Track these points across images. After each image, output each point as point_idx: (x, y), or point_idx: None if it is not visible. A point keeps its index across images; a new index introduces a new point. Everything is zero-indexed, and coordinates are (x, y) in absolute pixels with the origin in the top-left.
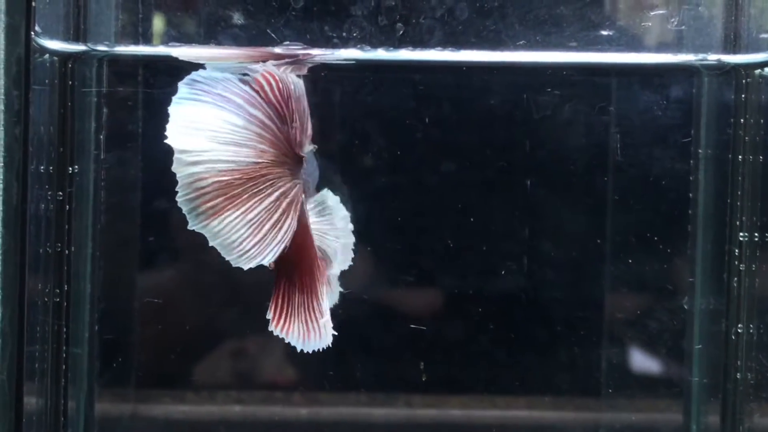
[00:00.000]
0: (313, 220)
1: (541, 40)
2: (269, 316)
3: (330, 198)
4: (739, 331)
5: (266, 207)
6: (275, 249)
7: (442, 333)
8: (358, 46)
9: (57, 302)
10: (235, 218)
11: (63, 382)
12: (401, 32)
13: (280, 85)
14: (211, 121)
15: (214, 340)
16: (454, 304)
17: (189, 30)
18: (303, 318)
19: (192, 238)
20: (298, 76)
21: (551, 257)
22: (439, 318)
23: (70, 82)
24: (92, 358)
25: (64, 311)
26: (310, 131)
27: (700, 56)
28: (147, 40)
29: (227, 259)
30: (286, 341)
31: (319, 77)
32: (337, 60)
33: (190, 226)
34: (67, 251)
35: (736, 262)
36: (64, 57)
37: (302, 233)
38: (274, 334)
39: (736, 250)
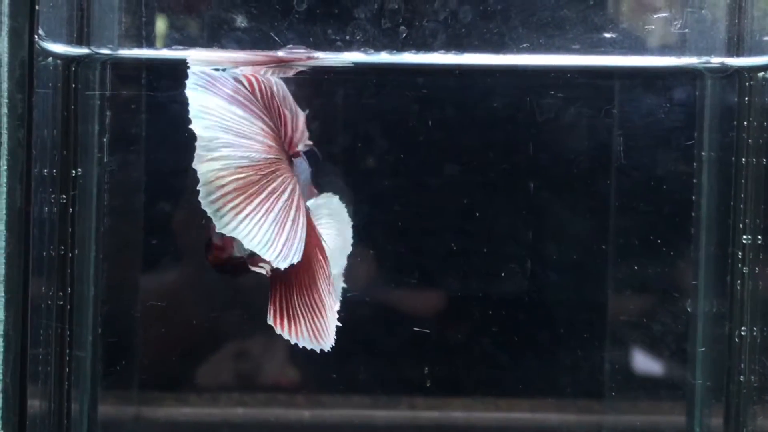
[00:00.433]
0: (319, 221)
1: (544, 43)
2: (269, 319)
3: (334, 201)
4: (743, 333)
5: (283, 205)
6: (299, 247)
7: (445, 335)
8: (362, 49)
9: (60, 305)
10: (260, 219)
11: (66, 385)
12: (404, 35)
13: (263, 86)
14: (223, 112)
15: (217, 343)
16: (457, 307)
17: (192, 33)
18: (306, 317)
19: (194, 241)
20: (281, 77)
21: (554, 260)
22: (442, 320)
23: (74, 85)
24: (95, 361)
25: (68, 314)
26: (301, 129)
27: (704, 59)
28: (150, 43)
29: (268, 259)
30: (292, 342)
31: (323, 80)
32: (342, 63)
33: (218, 230)
34: (70, 254)
35: (740, 265)
36: (68, 60)
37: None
38: (278, 333)
39: (740, 253)
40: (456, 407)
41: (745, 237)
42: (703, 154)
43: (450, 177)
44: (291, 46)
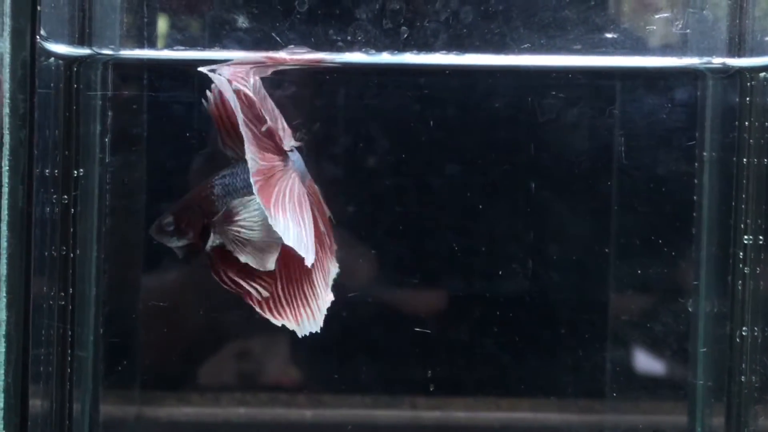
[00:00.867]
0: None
1: (545, 43)
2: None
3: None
4: (744, 333)
5: (292, 201)
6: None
7: (446, 335)
8: (363, 49)
9: (62, 305)
10: (287, 218)
11: (68, 385)
12: (406, 35)
13: (256, 85)
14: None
15: (218, 342)
16: (458, 307)
17: (194, 33)
18: (294, 304)
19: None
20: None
21: (555, 260)
22: (443, 320)
23: (75, 86)
24: (97, 361)
25: (69, 314)
26: (287, 127)
27: (705, 59)
28: (152, 43)
29: (303, 256)
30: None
31: (324, 80)
32: (344, 63)
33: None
34: (72, 254)
35: (741, 265)
36: (70, 61)
37: None
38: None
39: (741, 253)
40: (457, 407)
41: (746, 237)
42: (704, 154)
43: (451, 177)
44: (293, 46)
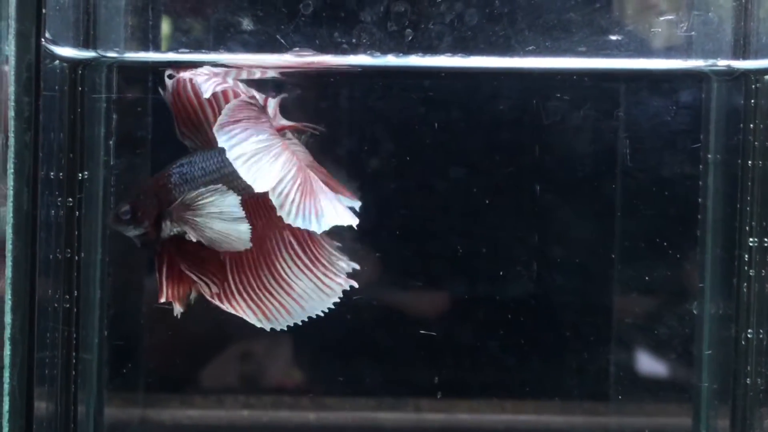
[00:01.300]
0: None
1: (550, 45)
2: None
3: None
4: (749, 336)
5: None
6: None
7: (451, 338)
8: (368, 52)
9: (67, 308)
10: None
11: (73, 388)
12: (410, 38)
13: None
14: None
15: (223, 345)
16: (463, 309)
17: (198, 36)
18: (253, 297)
19: None
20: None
21: (559, 262)
22: (448, 323)
23: (80, 88)
24: (102, 364)
25: (74, 317)
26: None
27: (710, 62)
28: (156, 46)
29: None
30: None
31: (328, 82)
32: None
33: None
34: (77, 257)
35: (746, 267)
36: (74, 64)
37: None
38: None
39: (746, 255)
40: (462, 409)
41: (751, 240)
42: (709, 156)
43: (456, 180)
44: (298, 48)
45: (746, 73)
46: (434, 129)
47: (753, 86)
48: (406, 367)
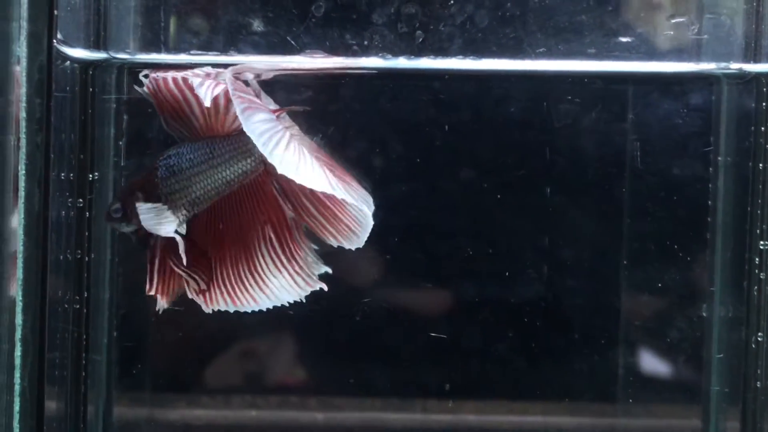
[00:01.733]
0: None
1: (562, 48)
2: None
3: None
4: (759, 339)
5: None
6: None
7: (458, 339)
8: (380, 54)
9: (77, 309)
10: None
11: (83, 389)
12: (421, 40)
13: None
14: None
15: (230, 345)
16: (471, 310)
17: (209, 37)
18: (233, 289)
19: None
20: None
21: (569, 264)
22: (456, 324)
23: (91, 89)
24: (111, 364)
25: (84, 318)
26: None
27: (722, 65)
28: (167, 47)
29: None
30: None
31: (339, 84)
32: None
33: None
34: (87, 258)
35: (757, 271)
36: (85, 65)
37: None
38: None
39: (756, 259)
40: (469, 410)
41: (762, 243)
42: (719, 159)
43: (466, 181)
44: (309, 51)
45: (758, 77)
46: (444, 131)
47: (765, 89)
48: (414, 367)
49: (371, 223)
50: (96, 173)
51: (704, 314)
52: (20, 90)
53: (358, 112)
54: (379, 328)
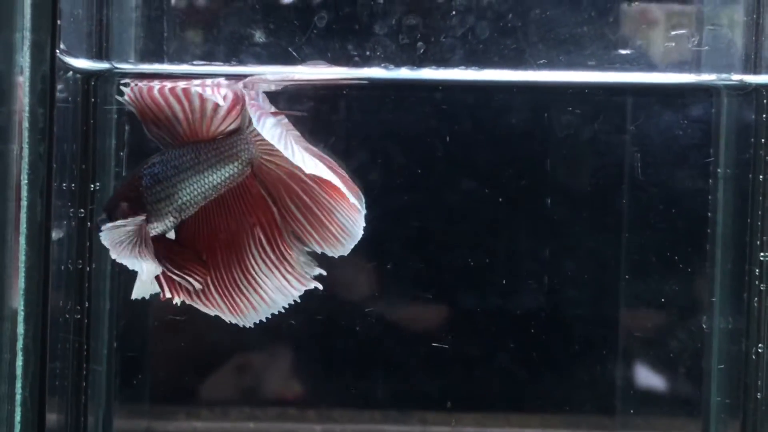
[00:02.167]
0: None
1: (563, 59)
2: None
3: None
4: (760, 350)
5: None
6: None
7: (457, 350)
8: (383, 65)
9: (78, 319)
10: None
11: (83, 399)
12: (422, 51)
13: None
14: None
15: (230, 357)
16: (470, 323)
17: (210, 48)
18: (227, 293)
19: None
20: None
21: (568, 276)
22: (454, 336)
23: (93, 100)
24: (111, 375)
25: (85, 328)
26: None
27: (723, 76)
28: (169, 58)
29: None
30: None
31: (340, 95)
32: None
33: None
34: (88, 268)
35: (757, 282)
36: (87, 75)
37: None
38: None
39: (757, 270)
40: (467, 422)
41: (762, 254)
42: (719, 171)
43: (466, 192)
44: (311, 61)
45: (758, 88)
46: (444, 142)
47: (765, 101)
48: (413, 379)
49: (361, 232)
50: (97, 183)
51: (704, 326)
52: (23, 100)
53: (358, 122)
54: (378, 339)
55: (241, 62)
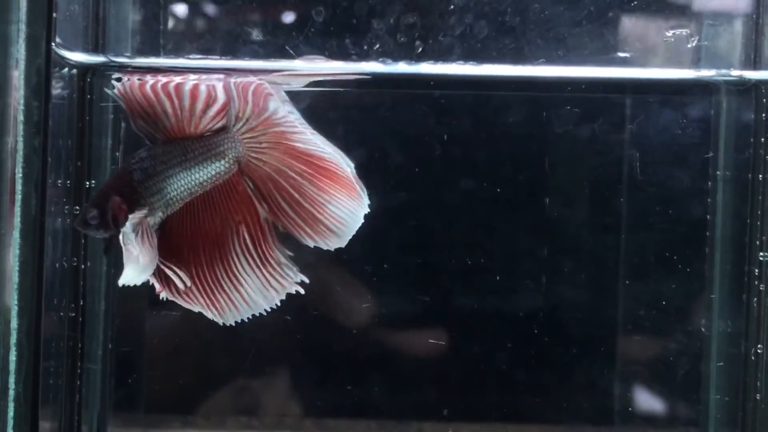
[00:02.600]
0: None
1: (562, 55)
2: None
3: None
4: (759, 351)
5: None
6: None
7: (454, 361)
8: (380, 59)
9: (72, 317)
10: None
11: (77, 397)
12: (420, 50)
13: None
14: None
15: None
16: (467, 333)
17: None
18: (208, 291)
19: None
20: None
21: (566, 280)
22: (451, 346)
23: (89, 96)
24: (106, 375)
25: (80, 326)
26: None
27: (722, 72)
28: (165, 51)
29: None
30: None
31: (337, 93)
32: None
33: None
34: (83, 266)
35: (756, 282)
36: (84, 69)
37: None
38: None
39: (756, 270)
40: None
41: (762, 254)
42: (718, 173)
43: (464, 191)
44: (307, 55)
45: (757, 85)
46: (442, 141)
47: (765, 99)
48: (410, 389)
49: (360, 222)
50: (93, 181)
51: (703, 329)
52: (18, 93)
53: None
54: (373, 348)
55: (237, 56)
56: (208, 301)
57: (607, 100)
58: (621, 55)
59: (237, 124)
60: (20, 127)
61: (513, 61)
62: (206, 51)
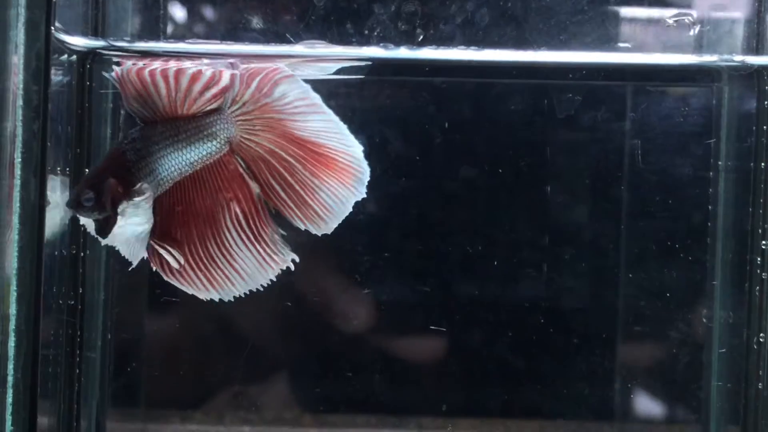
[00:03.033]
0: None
1: (564, 40)
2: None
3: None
4: (761, 340)
5: None
6: None
7: (453, 356)
8: (381, 44)
9: (71, 305)
10: None
11: (76, 386)
12: (421, 38)
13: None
14: None
15: (225, 358)
16: (465, 327)
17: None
18: (203, 269)
19: None
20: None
21: (567, 269)
22: (450, 341)
23: (88, 83)
24: (105, 362)
25: (79, 314)
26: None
27: (724, 57)
28: (165, 35)
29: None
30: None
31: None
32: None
33: None
34: (82, 254)
35: (759, 271)
36: (83, 54)
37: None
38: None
39: (758, 259)
40: (464, 428)
41: (764, 243)
42: (720, 162)
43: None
44: (307, 41)
45: (760, 71)
46: (442, 129)
47: (766, 87)
48: (409, 384)
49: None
50: None
51: (705, 320)
52: (17, 77)
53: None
54: (374, 343)
55: (237, 41)
56: (204, 279)
57: (608, 87)
58: (622, 43)
59: (232, 106)
60: (19, 111)
61: (514, 47)
62: (206, 36)
